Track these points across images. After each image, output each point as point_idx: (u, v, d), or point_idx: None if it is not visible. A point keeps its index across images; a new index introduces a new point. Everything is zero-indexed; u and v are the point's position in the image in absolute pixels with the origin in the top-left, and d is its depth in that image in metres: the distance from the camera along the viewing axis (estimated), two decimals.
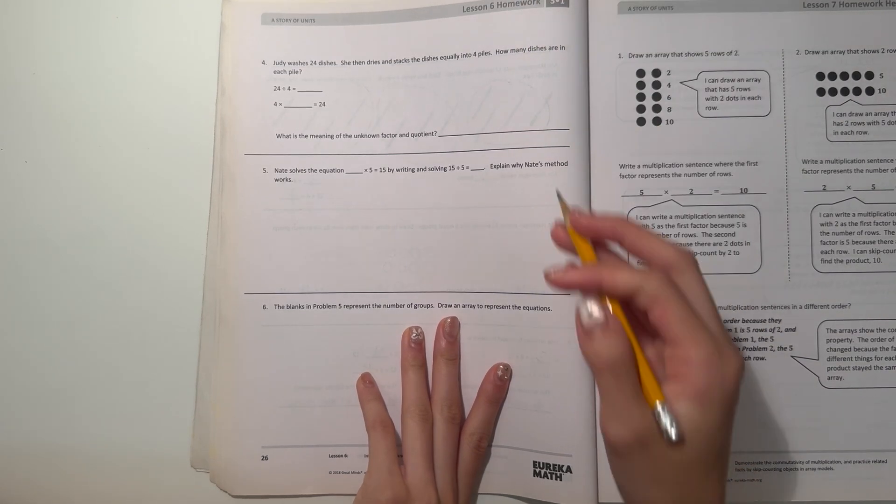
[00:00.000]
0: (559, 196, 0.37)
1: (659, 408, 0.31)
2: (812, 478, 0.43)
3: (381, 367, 0.44)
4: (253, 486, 0.44)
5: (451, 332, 0.44)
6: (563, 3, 0.43)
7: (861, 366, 0.43)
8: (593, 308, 0.33)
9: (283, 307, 0.44)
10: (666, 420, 0.30)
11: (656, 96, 0.44)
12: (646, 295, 0.31)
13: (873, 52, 0.43)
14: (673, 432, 0.30)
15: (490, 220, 0.44)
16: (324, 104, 0.45)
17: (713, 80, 0.44)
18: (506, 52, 0.44)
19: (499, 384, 0.43)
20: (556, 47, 0.43)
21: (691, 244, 0.43)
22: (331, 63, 0.45)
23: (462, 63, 0.44)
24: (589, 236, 0.35)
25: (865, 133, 0.43)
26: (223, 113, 0.45)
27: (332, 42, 0.45)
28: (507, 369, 0.43)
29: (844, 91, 0.44)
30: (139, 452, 0.46)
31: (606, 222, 0.35)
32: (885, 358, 0.43)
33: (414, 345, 0.43)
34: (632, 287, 0.32)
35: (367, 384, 0.44)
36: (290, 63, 0.45)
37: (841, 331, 0.43)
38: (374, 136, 0.45)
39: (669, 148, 0.44)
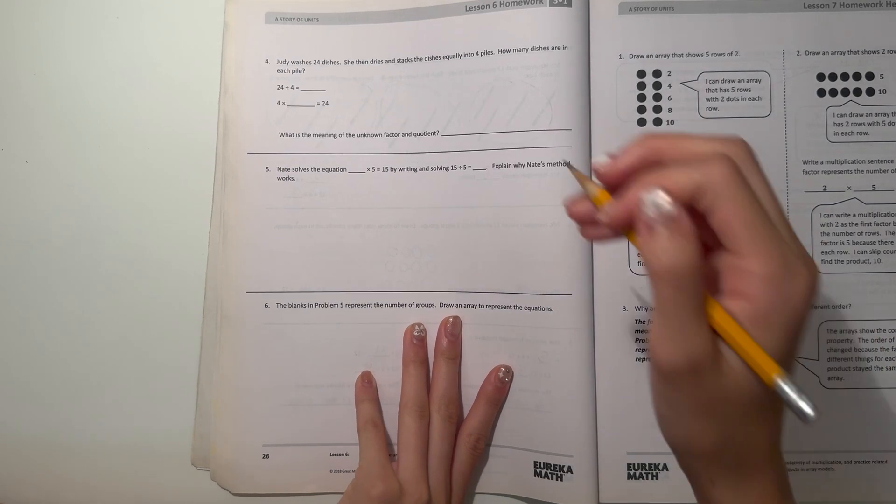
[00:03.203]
0: (570, 166, 0.33)
1: (781, 384, 0.26)
2: (812, 478, 0.43)
3: (382, 367, 0.44)
4: (254, 484, 0.44)
5: (452, 330, 0.44)
6: (565, 3, 0.43)
7: (861, 366, 0.43)
8: (662, 198, 0.27)
9: (284, 306, 0.44)
10: (794, 396, 0.26)
11: (657, 97, 0.44)
12: (710, 193, 0.26)
13: (874, 52, 0.44)
14: (807, 408, 0.26)
15: (492, 219, 0.44)
16: (326, 103, 0.45)
17: (714, 81, 0.44)
18: (508, 51, 0.44)
19: (499, 386, 0.43)
20: (558, 47, 0.43)
21: None
22: (334, 62, 0.45)
23: (464, 62, 0.44)
24: (622, 184, 0.29)
25: (866, 134, 0.43)
26: (226, 111, 0.45)
27: (335, 41, 0.45)
28: (509, 371, 0.43)
29: (845, 92, 0.44)
30: (140, 450, 0.45)
31: (633, 156, 0.29)
32: (886, 358, 0.43)
33: (416, 341, 0.43)
34: (694, 184, 0.26)
35: (365, 383, 0.44)
36: (293, 62, 0.45)
37: (841, 331, 0.43)
38: (376, 135, 0.45)
39: None
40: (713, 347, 0.27)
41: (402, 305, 0.44)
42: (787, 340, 0.26)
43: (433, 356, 0.44)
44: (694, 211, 0.27)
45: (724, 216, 0.26)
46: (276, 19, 0.46)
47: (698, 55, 0.44)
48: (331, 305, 0.44)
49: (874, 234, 0.43)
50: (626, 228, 0.28)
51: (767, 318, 0.26)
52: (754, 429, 0.28)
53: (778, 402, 0.27)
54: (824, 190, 0.43)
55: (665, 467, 0.43)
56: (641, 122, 0.44)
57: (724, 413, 0.27)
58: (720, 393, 0.27)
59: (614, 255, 0.43)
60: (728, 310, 0.27)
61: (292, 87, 0.45)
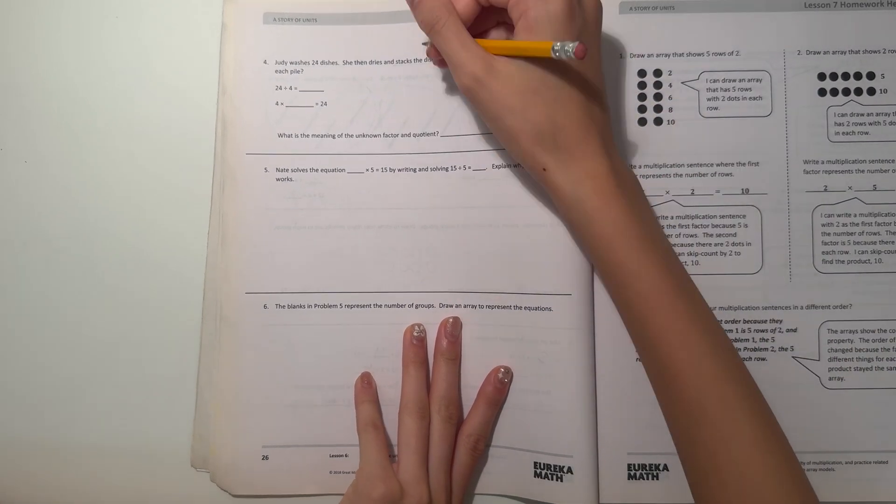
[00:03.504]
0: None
1: (555, 45, 0.35)
2: (813, 478, 0.42)
3: (382, 367, 0.44)
4: (253, 485, 0.44)
5: (452, 331, 0.44)
6: None
7: (862, 366, 0.43)
8: None
9: (284, 307, 0.44)
10: (558, 51, 0.35)
11: (657, 96, 0.44)
12: None
13: (874, 52, 0.44)
14: (570, 45, 0.34)
15: (492, 220, 0.44)
16: (325, 104, 0.45)
17: (714, 81, 0.44)
18: None
19: (499, 387, 0.43)
20: None
21: (692, 244, 0.43)
22: (332, 63, 0.45)
23: None
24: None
25: (867, 133, 0.43)
26: (224, 112, 0.45)
27: (333, 42, 0.45)
28: (508, 372, 0.43)
29: (846, 91, 0.44)
30: (139, 451, 0.45)
31: None
32: (887, 359, 0.43)
33: (416, 342, 0.43)
34: None
35: (365, 385, 0.44)
36: (291, 62, 0.45)
37: (842, 331, 0.43)
38: (375, 135, 0.45)
39: (671, 148, 0.44)
40: (485, 62, 0.38)
41: (402, 306, 0.44)
42: (554, 36, 0.36)
43: (433, 357, 0.44)
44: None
45: None
46: (275, 20, 0.46)
47: (699, 55, 0.44)
48: (330, 306, 0.44)
49: (875, 234, 0.43)
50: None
51: (537, 22, 0.36)
52: (551, 110, 0.37)
53: (554, 88, 0.37)
54: (825, 190, 0.43)
55: (665, 468, 0.43)
56: (642, 122, 0.44)
57: (521, 106, 0.37)
58: (506, 88, 0.37)
59: None
60: (518, 31, 0.37)
61: (291, 88, 0.45)
